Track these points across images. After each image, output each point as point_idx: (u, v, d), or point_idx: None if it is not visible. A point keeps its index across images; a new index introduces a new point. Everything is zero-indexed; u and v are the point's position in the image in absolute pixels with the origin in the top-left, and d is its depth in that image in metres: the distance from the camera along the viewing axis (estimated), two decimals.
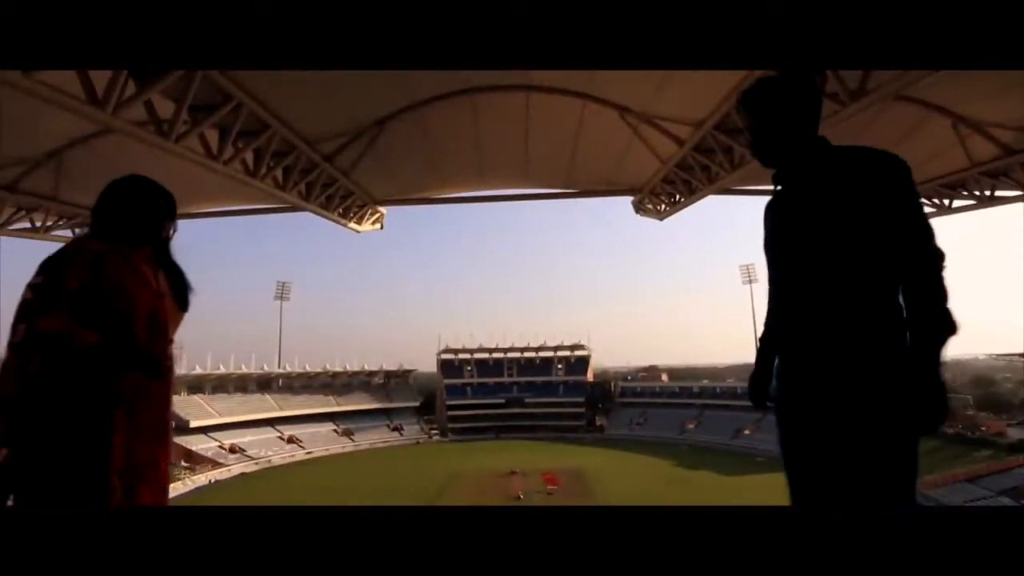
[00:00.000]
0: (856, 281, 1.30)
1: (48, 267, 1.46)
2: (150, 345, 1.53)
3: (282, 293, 69.40)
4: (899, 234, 1.28)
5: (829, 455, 1.31)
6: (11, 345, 1.40)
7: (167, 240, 1.73)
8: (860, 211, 1.30)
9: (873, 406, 1.27)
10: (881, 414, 1.26)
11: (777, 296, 1.44)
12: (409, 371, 68.55)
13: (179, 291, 1.71)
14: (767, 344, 1.58)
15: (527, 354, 68.34)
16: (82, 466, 1.39)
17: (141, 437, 1.49)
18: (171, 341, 1.64)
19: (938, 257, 1.29)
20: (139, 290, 1.55)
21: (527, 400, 64.22)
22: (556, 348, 67.92)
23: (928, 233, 1.30)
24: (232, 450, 45.98)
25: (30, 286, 1.43)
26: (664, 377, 72.70)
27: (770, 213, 1.50)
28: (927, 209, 9.99)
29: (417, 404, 64.87)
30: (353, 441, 56.07)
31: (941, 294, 1.26)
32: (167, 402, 1.60)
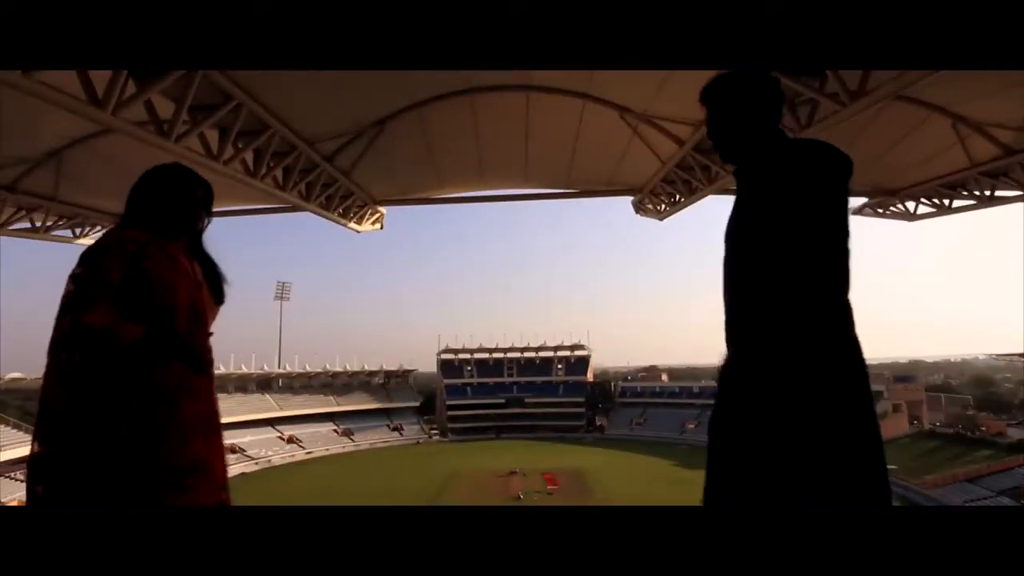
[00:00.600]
0: (801, 278, 1.28)
1: (88, 258, 1.43)
2: (192, 337, 1.51)
3: (282, 293, 69.53)
4: (816, 228, 1.28)
5: (781, 452, 1.27)
6: (55, 339, 1.37)
7: (201, 231, 1.69)
8: (794, 206, 1.30)
9: (822, 404, 1.24)
10: (830, 412, 1.24)
11: (729, 290, 1.42)
12: (409, 371, 68.56)
13: (214, 283, 1.68)
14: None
15: (527, 354, 68.34)
16: (128, 463, 1.35)
17: (191, 432, 1.46)
18: (211, 333, 1.62)
19: (843, 255, 1.30)
20: (180, 281, 1.52)
21: (527, 400, 64.21)
22: (556, 348, 67.91)
23: (842, 232, 1.30)
24: (232, 450, 45.97)
25: (72, 277, 1.40)
26: (664, 377, 72.69)
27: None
28: (926, 209, 10.04)
29: (417, 404, 64.87)
30: (353, 441, 56.08)
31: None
32: (212, 395, 1.56)
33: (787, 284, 1.28)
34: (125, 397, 1.37)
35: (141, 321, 1.40)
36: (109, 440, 1.34)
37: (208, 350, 1.57)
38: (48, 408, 1.37)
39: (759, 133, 1.43)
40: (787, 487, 1.25)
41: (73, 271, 1.41)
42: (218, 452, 1.55)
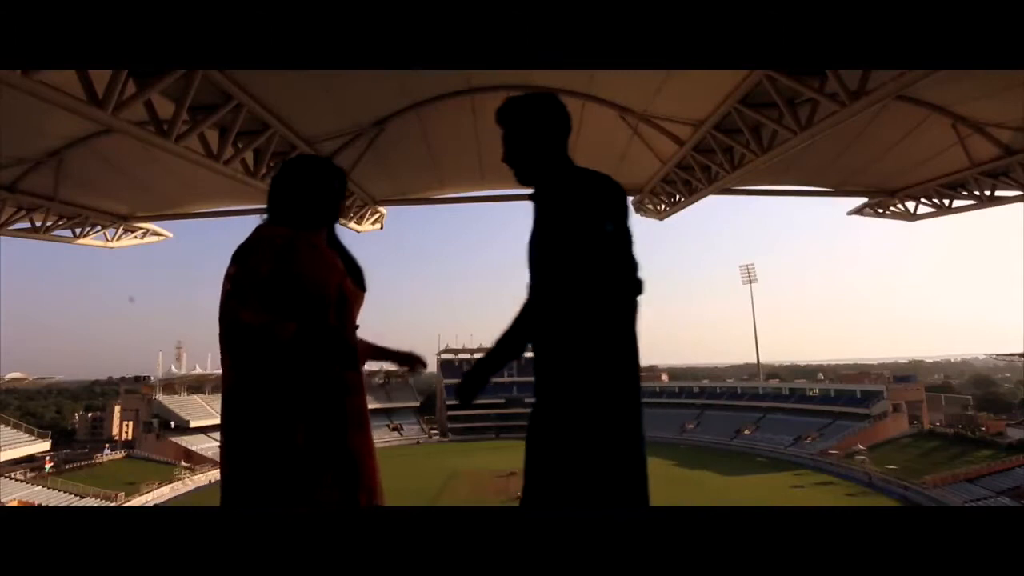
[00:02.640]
0: (571, 296, 1.38)
1: (239, 256, 1.44)
2: (342, 331, 1.51)
3: None
4: (596, 255, 1.36)
5: (552, 460, 1.37)
6: (221, 338, 1.40)
7: (336, 221, 1.69)
8: (571, 232, 1.39)
9: (575, 412, 1.34)
10: (584, 421, 1.33)
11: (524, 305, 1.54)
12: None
13: (353, 272, 1.65)
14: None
15: (527, 354, 68.17)
16: (299, 460, 1.37)
17: (346, 427, 1.46)
18: (357, 326, 1.61)
19: (633, 285, 1.39)
20: (327, 273, 1.52)
21: (527, 400, 63.98)
22: None
23: (622, 251, 1.39)
24: None
25: (228, 277, 1.41)
26: (664, 377, 72.66)
27: None
28: (926, 209, 10.04)
29: (417, 404, 64.84)
30: None
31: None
32: (363, 389, 1.56)
33: (566, 298, 1.39)
34: (290, 394, 1.39)
35: (292, 316, 1.40)
36: (282, 438, 1.37)
37: (356, 342, 1.56)
38: (226, 408, 1.42)
39: (546, 157, 1.50)
40: (562, 487, 1.34)
41: (227, 271, 1.43)
42: (372, 444, 1.55)
